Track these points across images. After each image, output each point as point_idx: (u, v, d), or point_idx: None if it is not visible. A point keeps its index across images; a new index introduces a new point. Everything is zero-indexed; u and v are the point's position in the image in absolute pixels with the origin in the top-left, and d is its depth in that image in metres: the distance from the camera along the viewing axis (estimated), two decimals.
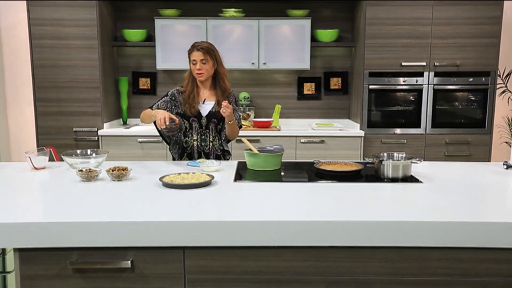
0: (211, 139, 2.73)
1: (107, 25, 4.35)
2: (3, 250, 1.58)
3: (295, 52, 4.34)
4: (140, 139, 4.13)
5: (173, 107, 2.73)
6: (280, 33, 4.32)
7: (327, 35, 4.42)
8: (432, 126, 4.21)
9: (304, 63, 4.35)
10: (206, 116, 2.71)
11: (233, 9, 4.37)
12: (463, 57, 4.11)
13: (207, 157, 2.70)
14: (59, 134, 4.22)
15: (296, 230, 1.47)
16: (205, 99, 2.72)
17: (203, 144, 2.72)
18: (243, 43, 4.33)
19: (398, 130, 4.24)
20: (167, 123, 2.33)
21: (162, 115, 2.34)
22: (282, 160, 2.40)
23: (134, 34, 4.44)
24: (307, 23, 4.29)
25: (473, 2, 4.03)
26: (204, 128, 2.72)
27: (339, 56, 4.70)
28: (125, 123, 4.66)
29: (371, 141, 4.21)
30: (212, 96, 2.74)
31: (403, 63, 4.11)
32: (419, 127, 4.21)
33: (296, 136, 4.15)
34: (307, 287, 1.52)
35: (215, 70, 2.70)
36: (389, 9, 4.06)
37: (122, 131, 4.21)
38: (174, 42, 4.32)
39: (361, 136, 4.14)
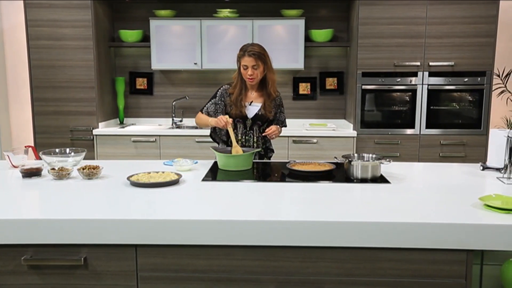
0: (254, 140, 2.71)
1: (103, 26, 4.40)
2: None
3: (289, 52, 4.34)
4: (133, 139, 4.17)
5: (223, 107, 2.72)
6: (274, 33, 4.32)
7: (321, 35, 4.41)
8: (427, 127, 4.16)
9: (298, 63, 4.34)
10: (252, 118, 2.69)
11: (227, 10, 4.39)
12: (458, 56, 4.06)
13: None
14: (56, 133, 4.29)
15: (246, 230, 1.48)
16: (252, 101, 2.70)
17: (246, 144, 2.69)
18: (237, 43, 4.29)
19: (392, 131, 4.20)
20: (229, 123, 2.48)
21: (220, 122, 2.49)
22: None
23: (131, 35, 4.49)
24: (301, 23, 4.29)
25: (468, 1, 3.97)
26: (248, 129, 2.70)
27: (335, 56, 4.68)
28: (121, 122, 4.72)
29: (365, 142, 4.18)
30: (259, 97, 2.71)
31: (397, 63, 4.07)
32: (413, 127, 4.17)
33: (288, 136, 4.15)
34: (258, 286, 1.52)
35: (264, 74, 2.66)
36: (382, 9, 4.02)
37: (116, 130, 4.26)
38: (169, 42, 4.36)
39: (353, 137, 4.12)
